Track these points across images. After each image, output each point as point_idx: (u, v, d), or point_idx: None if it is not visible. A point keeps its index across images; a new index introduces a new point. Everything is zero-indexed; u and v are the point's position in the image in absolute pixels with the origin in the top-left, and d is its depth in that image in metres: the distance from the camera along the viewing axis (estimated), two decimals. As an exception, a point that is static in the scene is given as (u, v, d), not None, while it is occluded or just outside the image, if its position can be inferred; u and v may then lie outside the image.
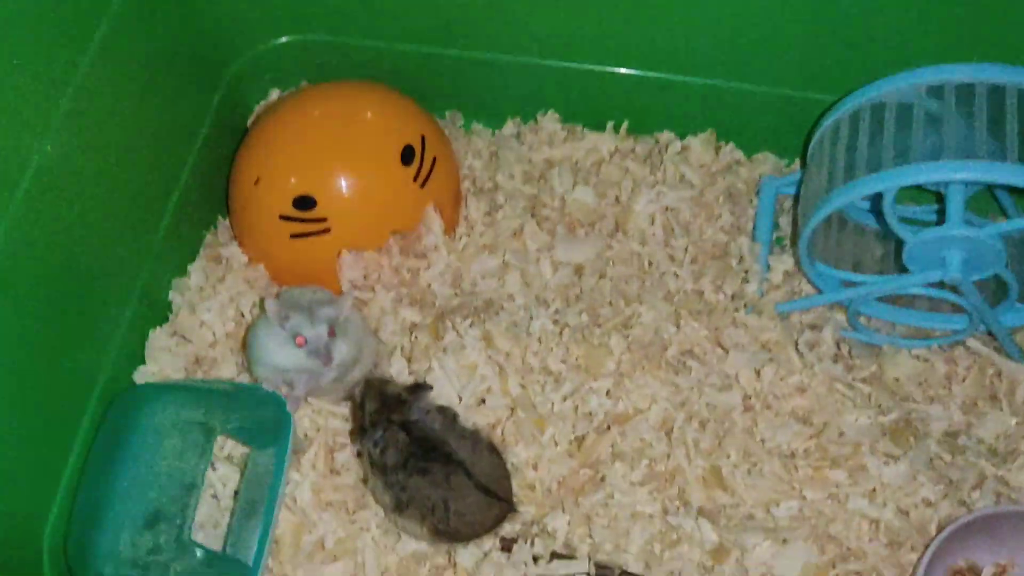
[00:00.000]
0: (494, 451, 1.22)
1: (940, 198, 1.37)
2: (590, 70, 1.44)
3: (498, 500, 1.20)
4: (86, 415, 1.22)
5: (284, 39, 1.49)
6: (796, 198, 1.43)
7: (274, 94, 1.60)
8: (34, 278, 1.10)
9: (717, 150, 1.56)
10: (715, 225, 1.49)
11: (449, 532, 1.19)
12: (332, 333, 1.22)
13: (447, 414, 1.19)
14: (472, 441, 1.20)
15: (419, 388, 1.18)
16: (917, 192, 1.45)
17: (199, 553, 1.17)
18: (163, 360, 1.35)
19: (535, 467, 1.24)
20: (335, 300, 1.25)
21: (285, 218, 1.31)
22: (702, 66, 1.39)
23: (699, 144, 1.54)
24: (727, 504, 1.21)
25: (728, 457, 1.23)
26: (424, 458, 1.13)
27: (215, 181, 1.46)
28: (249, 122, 1.52)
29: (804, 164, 1.45)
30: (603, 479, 1.21)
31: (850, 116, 1.30)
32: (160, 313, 1.38)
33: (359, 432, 1.19)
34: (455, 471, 1.14)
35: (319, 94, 1.39)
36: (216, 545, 1.20)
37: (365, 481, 1.25)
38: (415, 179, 1.37)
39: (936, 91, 1.23)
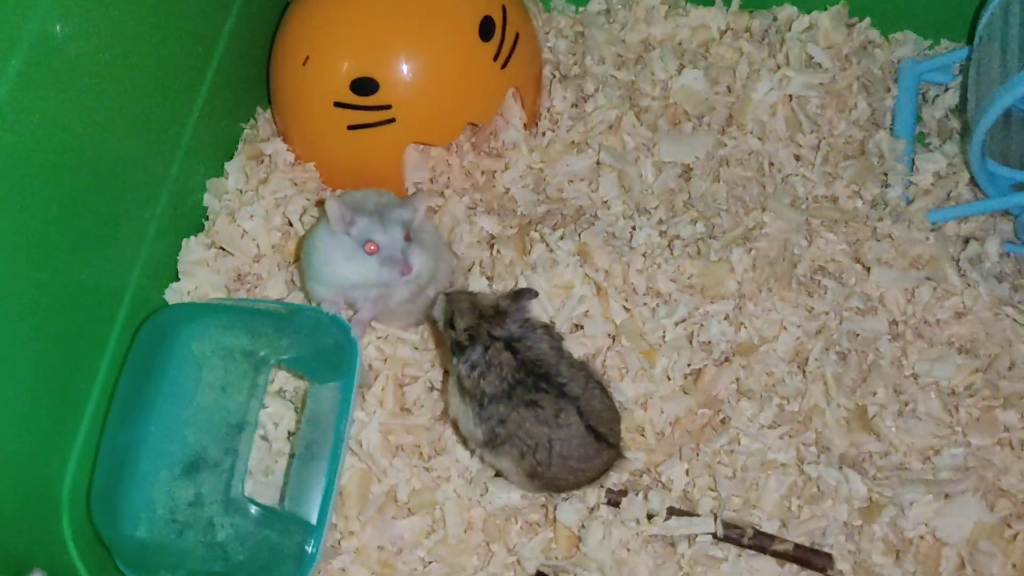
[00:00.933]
0: (604, 390, 1.03)
1: None
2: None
3: (608, 446, 1.01)
4: (110, 341, 1.05)
5: None
6: (964, 82, 1.19)
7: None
8: (43, 173, 0.92)
9: (849, 28, 1.37)
10: (848, 118, 1.31)
11: (548, 477, 1.00)
12: (408, 238, 1.01)
13: (554, 335, 1.00)
14: (585, 374, 1.00)
15: (521, 295, 0.99)
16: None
17: (252, 510, 0.97)
18: (199, 276, 1.15)
19: (644, 406, 1.10)
20: (407, 202, 1.06)
21: (341, 105, 1.15)
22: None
23: (828, 20, 1.35)
24: (876, 451, 1.08)
25: (874, 395, 1.10)
26: (534, 388, 0.96)
27: (254, 63, 1.29)
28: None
29: (971, 40, 1.21)
30: (725, 421, 1.09)
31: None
32: (194, 220, 1.21)
33: (453, 350, 0.98)
34: (567, 407, 0.96)
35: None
36: (269, 498, 1.02)
37: (446, 413, 1.05)
38: (495, 58, 1.18)
39: None
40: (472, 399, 0.98)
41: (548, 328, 1.01)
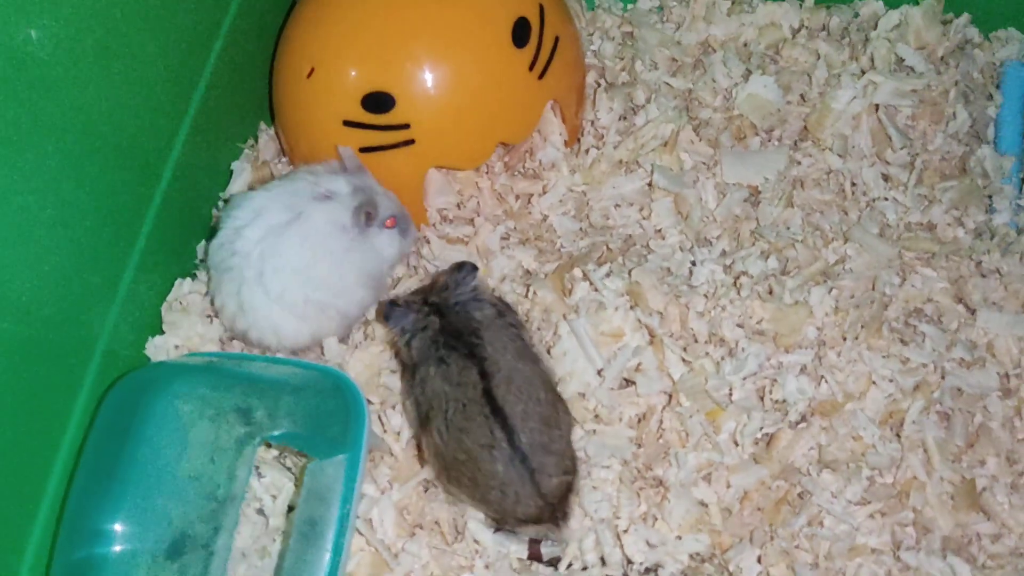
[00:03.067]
0: (554, 421, 0.89)
1: None
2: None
3: (529, 473, 0.86)
4: (76, 406, 0.92)
5: None
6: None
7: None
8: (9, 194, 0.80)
9: (945, 25, 1.22)
10: (945, 130, 1.17)
11: (450, 460, 0.89)
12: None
13: (502, 310, 0.95)
14: (529, 366, 0.91)
15: (461, 267, 0.95)
16: None
17: (243, 599, 0.83)
18: (187, 327, 0.99)
19: (708, 479, 0.96)
20: (350, 163, 1.02)
21: (351, 124, 1.02)
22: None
23: (920, 17, 1.20)
24: (986, 534, 0.95)
25: (983, 465, 0.97)
26: (445, 345, 0.91)
27: (254, 73, 1.15)
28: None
29: None
30: (804, 496, 0.96)
31: None
32: (184, 261, 1.06)
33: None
34: (469, 366, 0.89)
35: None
36: (264, 583, 0.87)
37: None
38: (531, 67, 1.04)
39: None
40: (407, 371, 0.94)
41: (502, 305, 0.96)
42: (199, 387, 0.93)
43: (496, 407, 0.87)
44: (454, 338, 0.91)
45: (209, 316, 1.02)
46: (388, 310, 0.93)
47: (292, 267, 0.95)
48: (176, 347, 0.99)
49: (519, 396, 0.88)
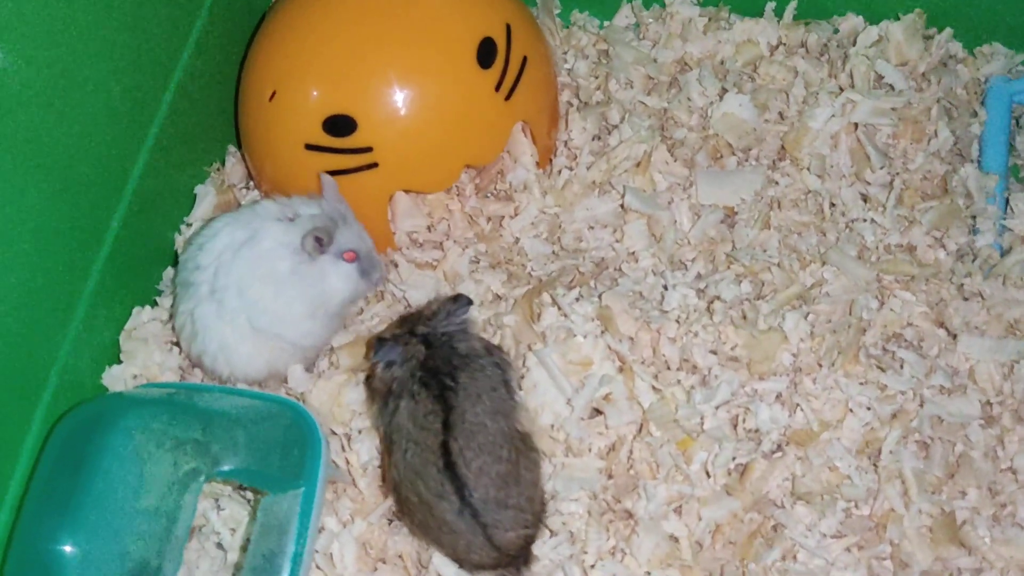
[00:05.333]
0: (523, 462, 0.88)
1: None
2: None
3: (480, 528, 0.84)
4: (30, 434, 0.90)
5: None
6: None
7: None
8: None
9: (927, 41, 1.20)
10: (927, 149, 1.14)
11: (403, 493, 0.88)
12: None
13: (494, 349, 0.93)
14: (499, 423, 0.87)
15: (457, 299, 0.93)
16: None
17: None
18: (145, 356, 0.98)
19: (679, 511, 0.93)
20: (329, 192, 0.99)
21: (313, 148, 1.00)
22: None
23: (901, 32, 1.18)
24: (967, 568, 0.92)
25: (964, 496, 0.94)
26: (420, 381, 0.89)
27: (221, 96, 1.13)
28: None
29: None
30: (778, 529, 0.93)
31: None
32: (144, 288, 1.04)
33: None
34: (436, 411, 0.87)
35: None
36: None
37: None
38: (497, 87, 1.02)
39: None
40: (378, 397, 0.91)
41: (492, 347, 0.93)
42: (154, 421, 0.90)
43: (449, 461, 0.85)
44: (431, 374, 0.89)
45: (169, 344, 1.00)
46: (377, 345, 0.91)
47: (238, 285, 0.93)
48: (135, 376, 0.97)
49: (478, 452, 0.86)
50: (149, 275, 1.04)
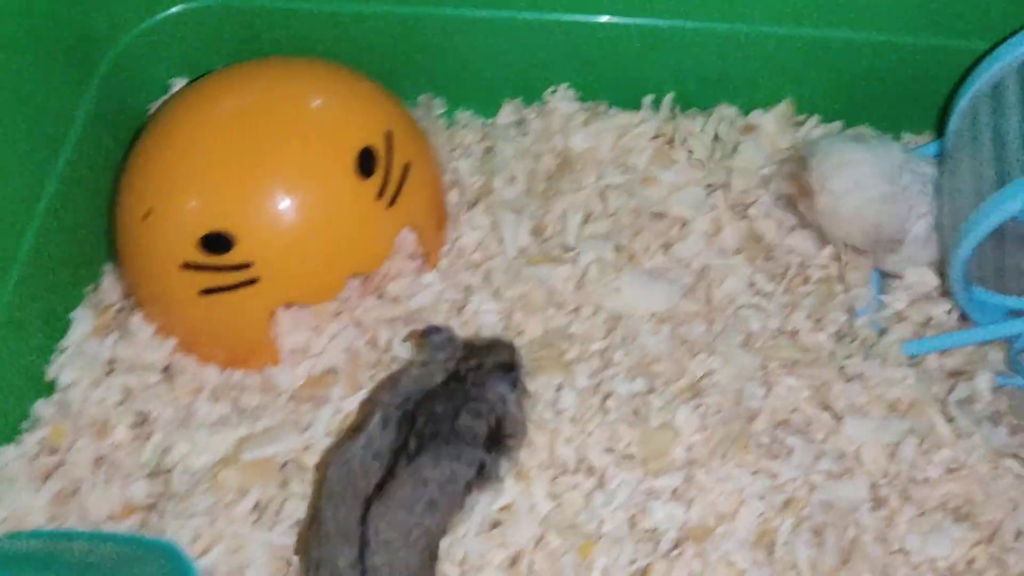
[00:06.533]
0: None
1: None
2: (616, 24, 1.13)
3: None
4: None
5: (182, 6, 1.13)
6: (939, 191, 1.02)
7: (176, 85, 1.19)
8: None
9: (797, 127, 1.21)
10: (803, 232, 1.12)
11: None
12: None
13: (488, 447, 0.85)
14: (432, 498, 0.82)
15: (511, 369, 0.88)
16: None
17: None
18: (10, 499, 0.91)
19: None
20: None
21: (190, 266, 0.95)
22: (776, 9, 1.10)
23: (772, 122, 1.19)
24: None
25: None
26: (405, 412, 0.83)
27: (95, 213, 1.08)
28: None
29: (943, 146, 1.08)
30: None
31: (1018, 72, 0.90)
32: (10, 424, 0.97)
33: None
34: (381, 462, 0.81)
35: (233, 81, 1.03)
36: None
37: None
38: (379, 196, 0.99)
39: None
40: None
41: (496, 445, 0.86)
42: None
43: (366, 516, 0.80)
44: (410, 419, 0.82)
45: (36, 484, 0.94)
46: (431, 329, 0.88)
47: None
48: (2, 521, 0.91)
49: (394, 529, 0.81)
50: (15, 411, 0.98)
